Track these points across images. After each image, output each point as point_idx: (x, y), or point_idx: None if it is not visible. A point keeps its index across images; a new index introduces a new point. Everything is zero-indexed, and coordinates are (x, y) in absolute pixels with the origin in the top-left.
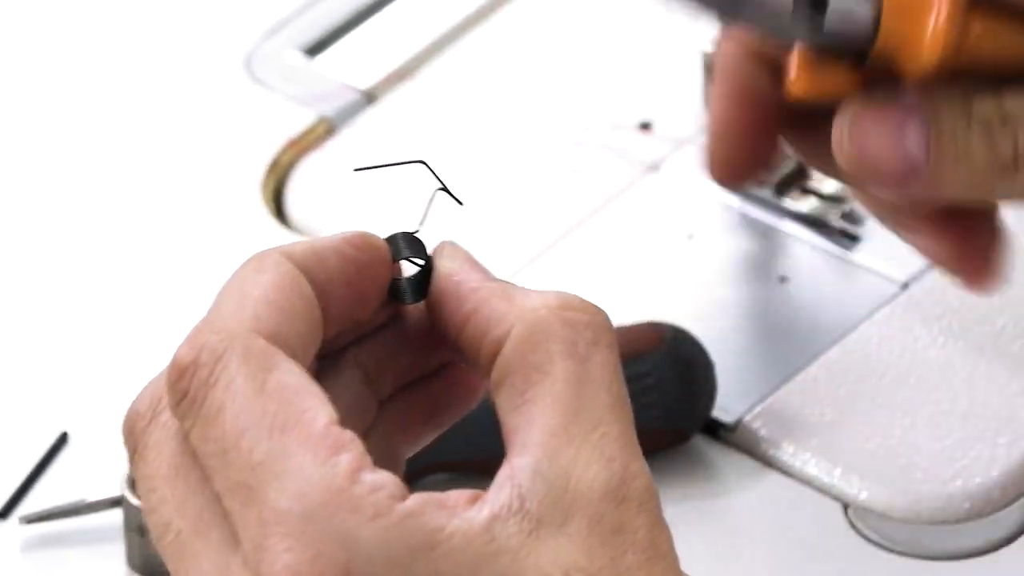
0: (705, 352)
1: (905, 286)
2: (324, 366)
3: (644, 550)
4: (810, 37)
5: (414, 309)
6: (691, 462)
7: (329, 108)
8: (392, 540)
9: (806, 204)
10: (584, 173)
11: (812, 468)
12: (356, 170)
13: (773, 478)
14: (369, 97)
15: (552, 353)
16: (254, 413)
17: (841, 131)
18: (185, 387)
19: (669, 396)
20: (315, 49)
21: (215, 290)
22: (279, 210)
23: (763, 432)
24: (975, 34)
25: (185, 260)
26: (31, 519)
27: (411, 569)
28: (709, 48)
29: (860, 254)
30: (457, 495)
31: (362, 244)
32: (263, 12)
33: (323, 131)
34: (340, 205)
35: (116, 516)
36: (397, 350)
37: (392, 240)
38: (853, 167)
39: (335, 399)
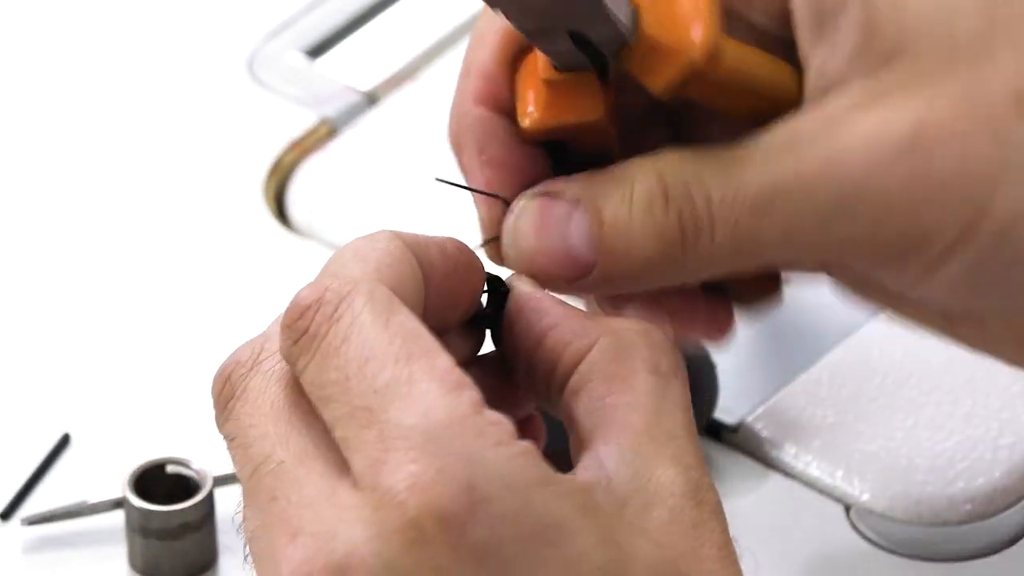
0: (707, 353)
1: None
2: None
3: (720, 548)
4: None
5: (488, 362)
6: None
7: (331, 110)
8: (514, 468)
9: None
10: None
11: (814, 469)
12: None
13: (775, 479)
14: (371, 99)
15: (637, 368)
16: (380, 342)
17: (509, 230)
18: (305, 325)
19: None
20: (317, 51)
21: (217, 291)
22: (281, 211)
23: (765, 433)
24: (726, 56)
25: (187, 261)
26: (33, 520)
27: (528, 497)
28: None
29: None
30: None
31: (462, 248)
32: (265, 14)
33: (325, 133)
34: (342, 207)
35: (118, 518)
36: None
37: None
38: (524, 268)
39: None
